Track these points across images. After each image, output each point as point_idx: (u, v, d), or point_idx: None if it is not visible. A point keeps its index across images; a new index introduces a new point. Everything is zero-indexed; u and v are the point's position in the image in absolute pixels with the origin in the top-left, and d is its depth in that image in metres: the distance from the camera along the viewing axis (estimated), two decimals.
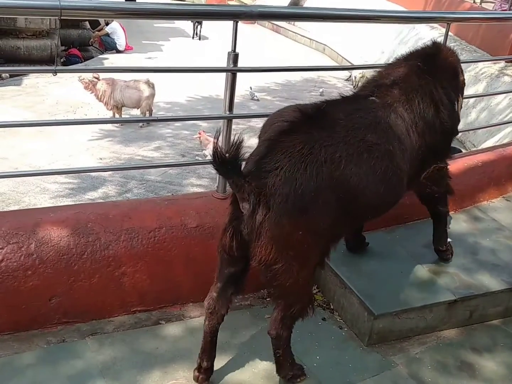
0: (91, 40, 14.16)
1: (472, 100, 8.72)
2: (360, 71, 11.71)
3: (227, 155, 2.08)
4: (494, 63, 9.42)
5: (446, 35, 3.95)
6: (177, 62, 12.39)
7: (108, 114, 8.94)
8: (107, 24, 14.17)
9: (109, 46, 14.14)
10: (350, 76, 12.90)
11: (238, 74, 3.07)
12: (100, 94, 8.82)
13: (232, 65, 3.02)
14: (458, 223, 3.82)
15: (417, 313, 3.01)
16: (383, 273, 3.18)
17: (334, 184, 2.27)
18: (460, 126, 3.24)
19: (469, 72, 9.07)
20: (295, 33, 18.21)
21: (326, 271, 3.12)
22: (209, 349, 2.51)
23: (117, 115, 8.90)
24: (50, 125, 7.23)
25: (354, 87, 12.00)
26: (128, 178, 6.48)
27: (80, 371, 2.53)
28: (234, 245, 2.31)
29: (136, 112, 9.11)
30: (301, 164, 2.20)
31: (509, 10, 11.05)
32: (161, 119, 9.07)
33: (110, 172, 6.52)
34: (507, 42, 9.48)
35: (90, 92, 8.89)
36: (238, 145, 2.08)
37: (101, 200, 5.62)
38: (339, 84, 12.70)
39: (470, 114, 8.78)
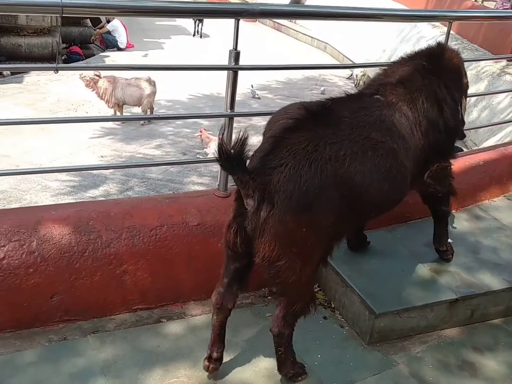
0: (92, 37, 14.16)
1: (473, 99, 8.72)
2: (362, 69, 11.72)
3: (232, 151, 2.09)
4: (496, 62, 9.41)
5: (448, 33, 3.95)
6: (178, 60, 12.37)
7: (109, 112, 8.95)
8: (108, 21, 14.15)
9: (110, 43, 14.15)
10: (351, 75, 12.89)
11: (240, 72, 3.07)
12: (102, 92, 8.82)
13: (233, 63, 3.02)
14: (459, 222, 3.81)
15: (418, 312, 3.01)
16: (384, 272, 3.18)
17: (339, 181, 2.28)
18: None
19: (470, 71, 9.05)
20: (297, 31, 18.21)
21: (327, 270, 3.12)
22: (218, 341, 2.55)
23: (118, 113, 8.90)
24: (52, 123, 7.27)
25: (355, 85, 12.01)
26: (129, 176, 6.48)
27: (82, 369, 2.53)
28: (238, 242, 2.32)
29: (137, 110, 9.12)
30: (305, 161, 2.21)
31: (511, 8, 11.03)
32: (162, 117, 9.07)
33: (111, 170, 6.53)
34: (508, 40, 9.48)
35: (91, 90, 8.90)
36: (243, 141, 2.09)
37: (102, 198, 5.62)
38: (340, 83, 12.69)
39: (472, 113, 8.78)
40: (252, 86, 10.63)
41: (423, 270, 3.26)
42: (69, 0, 2.55)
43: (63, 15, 2.55)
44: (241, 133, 2.09)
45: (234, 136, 3.08)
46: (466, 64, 3.18)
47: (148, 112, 8.87)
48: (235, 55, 3.00)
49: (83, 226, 2.82)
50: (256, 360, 2.69)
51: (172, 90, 9.97)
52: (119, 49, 13.99)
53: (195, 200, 3.22)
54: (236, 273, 2.46)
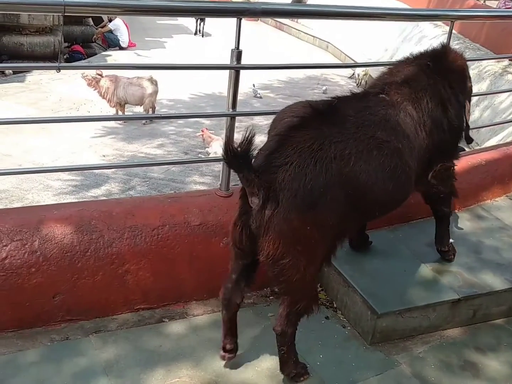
0: (94, 36, 14.18)
1: (475, 98, 8.70)
2: (363, 68, 11.70)
3: (239, 149, 2.09)
4: (498, 61, 9.40)
5: (450, 33, 3.94)
6: (180, 59, 12.37)
7: (111, 111, 8.95)
8: (110, 20, 14.17)
9: (112, 42, 14.16)
10: (353, 74, 12.87)
11: (241, 71, 3.06)
12: (103, 91, 8.82)
13: (235, 62, 3.01)
14: (461, 222, 3.81)
15: (420, 312, 3.00)
16: (386, 271, 3.18)
17: (343, 180, 2.29)
18: None
19: (472, 70, 9.02)
20: (298, 30, 18.20)
21: (329, 270, 3.12)
22: (230, 335, 2.60)
23: (120, 112, 8.90)
24: (53, 122, 7.27)
25: (357, 84, 11.99)
26: (131, 176, 6.48)
27: (84, 368, 2.54)
28: (243, 239, 2.34)
29: (139, 109, 9.12)
30: (310, 159, 2.22)
31: None
32: (164, 117, 9.07)
33: (113, 170, 6.53)
34: (510, 40, 9.46)
35: (93, 89, 8.89)
36: (250, 139, 2.10)
37: (104, 198, 5.63)
38: (342, 82, 12.68)
39: (474, 112, 8.76)
40: (254, 86, 10.62)
41: (425, 270, 3.25)
42: None
43: (65, 14, 2.54)
44: (248, 132, 2.10)
45: (236, 136, 3.09)
46: (468, 63, 3.19)
47: (150, 112, 8.88)
48: (237, 54, 3.00)
49: (85, 225, 2.81)
50: (258, 360, 2.69)
51: (174, 89, 9.96)
52: (121, 48, 13.99)
53: (197, 200, 3.22)
54: (244, 269, 2.49)
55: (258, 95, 10.51)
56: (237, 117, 3.22)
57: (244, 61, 3.05)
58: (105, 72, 8.88)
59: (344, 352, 2.84)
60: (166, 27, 16.44)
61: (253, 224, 2.27)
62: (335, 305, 3.18)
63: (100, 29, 14.39)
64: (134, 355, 2.64)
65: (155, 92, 8.91)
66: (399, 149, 2.51)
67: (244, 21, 3.03)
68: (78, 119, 6.17)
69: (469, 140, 3.17)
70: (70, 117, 7.39)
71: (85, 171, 6.23)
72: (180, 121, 8.68)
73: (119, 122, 8.61)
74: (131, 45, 14.19)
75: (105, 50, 14.10)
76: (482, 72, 9.30)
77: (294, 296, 2.43)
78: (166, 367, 2.59)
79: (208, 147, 7.34)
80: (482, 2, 12.81)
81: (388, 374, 2.74)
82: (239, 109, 3.21)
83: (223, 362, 2.63)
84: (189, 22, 16.93)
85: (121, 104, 8.94)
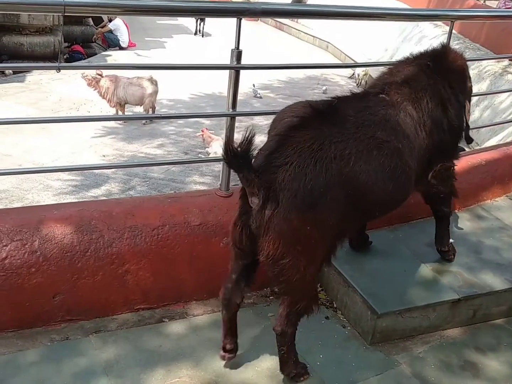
0: (94, 36, 14.18)
1: (475, 98, 8.70)
2: (363, 68, 11.70)
3: (239, 149, 2.09)
4: (498, 61, 9.40)
5: (450, 33, 3.94)
6: (180, 59, 12.37)
7: (111, 111, 8.95)
8: (110, 20, 14.17)
9: (112, 42, 14.16)
10: (353, 74, 12.88)
11: (241, 71, 3.06)
12: (103, 91, 8.82)
13: (235, 62, 3.01)
14: (461, 222, 3.81)
15: (420, 312, 3.00)
16: (386, 271, 3.18)
17: (343, 180, 2.29)
18: None
19: (472, 70, 9.03)
20: (298, 30, 18.20)
21: (329, 270, 3.12)
22: (230, 335, 2.60)
23: (120, 112, 8.90)
24: (53, 122, 7.27)
25: (357, 84, 11.99)
26: (131, 176, 6.48)
27: (84, 368, 2.54)
28: (243, 239, 2.34)
29: (139, 109, 9.12)
30: (310, 159, 2.22)
31: None
32: (164, 116, 9.06)
33: (113, 170, 6.53)
34: (510, 40, 9.46)
35: (93, 89, 8.89)
36: (250, 139, 2.10)
37: (104, 198, 5.63)
38: (342, 82, 12.68)
39: (474, 112, 8.75)
40: (254, 86, 10.62)
41: (425, 270, 3.25)
42: None
43: (65, 14, 2.54)
44: (248, 132, 2.10)
45: (236, 136, 3.09)
46: (468, 63, 3.19)
47: (150, 112, 8.87)
48: (237, 54, 3.00)
49: (85, 225, 2.81)
50: (258, 360, 2.69)
51: (174, 89, 9.96)
52: (121, 48, 14.00)
53: (197, 200, 3.22)
54: (244, 269, 2.49)
55: (258, 95, 10.51)
56: (237, 117, 3.22)
57: (244, 61, 3.05)
58: (105, 72, 8.88)
59: (344, 352, 2.84)
60: (166, 27, 16.44)
61: (253, 224, 2.27)
62: (335, 305, 3.18)
63: (100, 29, 14.39)
64: (134, 355, 2.64)
65: (155, 92, 8.90)
66: (399, 149, 2.51)
67: (244, 21, 3.03)
68: (78, 119, 6.18)
69: (469, 140, 3.18)
70: (70, 117, 7.39)
71: (85, 171, 6.23)
72: (180, 121, 8.68)
73: (119, 122, 8.61)
74: (131, 45, 14.19)
75: (105, 50, 14.10)
76: (482, 72, 9.30)
77: (294, 296, 2.43)
78: (166, 367, 2.59)
79: (208, 147, 7.34)
80: (482, 2, 12.81)
81: (388, 374, 2.74)
82: (239, 109, 3.21)
83: (223, 362, 2.63)
84: (189, 22, 16.92)
85: (121, 104, 8.94)
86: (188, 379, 2.54)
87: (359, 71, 12.15)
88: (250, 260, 2.44)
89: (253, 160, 2.24)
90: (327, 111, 2.45)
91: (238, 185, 2.46)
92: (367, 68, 11.44)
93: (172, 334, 2.83)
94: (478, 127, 7.67)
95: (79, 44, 13.49)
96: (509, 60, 9.30)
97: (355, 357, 2.82)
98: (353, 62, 13.21)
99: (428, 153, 2.76)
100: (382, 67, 3.27)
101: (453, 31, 4.08)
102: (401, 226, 3.64)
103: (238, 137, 2.52)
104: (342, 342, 2.92)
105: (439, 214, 3.27)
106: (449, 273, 3.25)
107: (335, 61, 15.08)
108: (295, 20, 18.00)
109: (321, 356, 2.78)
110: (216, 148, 6.93)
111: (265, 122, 6.81)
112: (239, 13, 2.99)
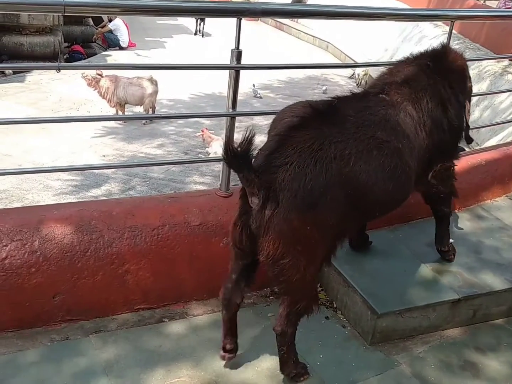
0: (94, 36, 14.18)
1: (475, 98, 8.70)
2: (363, 68, 11.70)
3: (239, 149, 2.09)
4: (498, 61, 9.40)
5: (450, 33, 3.94)
6: (180, 59, 12.37)
7: (111, 111, 8.95)
8: (110, 20, 14.17)
9: (112, 42, 14.16)
10: (353, 74, 12.88)
11: (241, 71, 3.06)
12: (103, 91, 8.82)
13: (235, 62, 3.01)
14: (461, 222, 3.81)
15: (420, 312, 3.00)
16: (386, 271, 3.18)
17: (343, 180, 2.29)
18: None
19: (472, 70, 9.03)
20: (298, 30, 18.20)
21: (329, 270, 3.12)
22: (230, 335, 2.60)
23: (120, 112, 8.90)
24: (53, 122, 7.27)
25: (357, 84, 11.99)
26: (131, 176, 6.48)
27: (84, 368, 2.54)
28: (243, 239, 2.34)
29: (139, 109, 9.12)
30: (310, 159, 2.22)
31: None
32: (164, 116, 9.06)
33: (113, 170, 6.53)
34: (510, 40, 9.46)
35: (93, 89, 8.89)
36: (250, 139, 2.10)
37: (104, 198, 5.63)
38: (342, 82, 12.68)
39: (473, 112, 8.76)
40: (254, 86, 10.62)
41: (425, 270, 3.25)
42: None
43: (65, 14, 2.54)
44: (248, 132, 2.10)
45: (236, 136, 3.09)
46: (468, 63, 3.19)
47: (150, 112, 8.87)
48: (237, 54, 3.00)
49: (85, 225, 2.81)
50: (258, 360, 2.69)
51: (174, 89, 9.96)
52: (121, 48, 14.00)
53: (197, 200, 3.22)
54: (244, 269, 2.49)
55: (258, 95, 10.51)
56: (237, 117, 3.22)
57: (244, 61, 3.05)
58: (105, 72, 8.88)
59: (344, 352, 2.84)
60: (166, 27, 16.44)
61: (253, 224, 2.27)
62: (335, 305, 3.18)
63: (100, 29, 14.39)
64: (134, 355, 2.64)
65: (155, 92, 8.91)
66: (399, 149, 2.51)
67: (244, 21, 3.03)
68: (78, 119, 6.18)
69: (469, 140, 3.18)
70: (70, 117, 7.38)
71: (85, 171, 6.23)
72: (180, 121, 8.68)
73: (119, 122, 8.61)
74: (131, 45, 14.19)
75: (105, 50, 14.10)
76: (482, 72, 9.30)
77: (294, 296, 2.43)
78: (166, 367, 2.59)
79: (208, 147, 7.34)
80: (482, 2, 12.81)
81: (388, 374, 2.74)
82: (239, 109, 3.21)
83: (223, 362, 2.63)
84: (189, 22, 16.92)
85: (121, 104, 8.94)
86: (188, 379, 2.54)
87: (359, 71, 12.15)
88: (250, 260, 2.44)
89: (253, 160, 2.24)
90: (327, 111, 2.45)
91: (238, 185, 2.46)
92: (367, 68, 11.44)
93: (172, 334, 2.83)
94: (478, 127, 7.67)
95: (79, 44, 13.49)
96: (509, 60, 9.30)
97: (355, 357, 2.82)
98: (353, 62, 13.21)
99: (428, 153, 2.76)
100: (382, 67, 3.27)
101: (453, 31, 4.08)
102: (401, 226, 3.64)
103: (238, 137, 2.52)
104: (342, 342, 2.92)
105: (439, 214, 3.27)
106: (449, 273, 3.25)
107: (335, 61, 15.08)
108: (295, 20, 18.00)
109: (321, 356, 2.78)
110: (216, 148, 6.93)
111: (265, 122, 6.81)
112: (239, 13, 2.99)
